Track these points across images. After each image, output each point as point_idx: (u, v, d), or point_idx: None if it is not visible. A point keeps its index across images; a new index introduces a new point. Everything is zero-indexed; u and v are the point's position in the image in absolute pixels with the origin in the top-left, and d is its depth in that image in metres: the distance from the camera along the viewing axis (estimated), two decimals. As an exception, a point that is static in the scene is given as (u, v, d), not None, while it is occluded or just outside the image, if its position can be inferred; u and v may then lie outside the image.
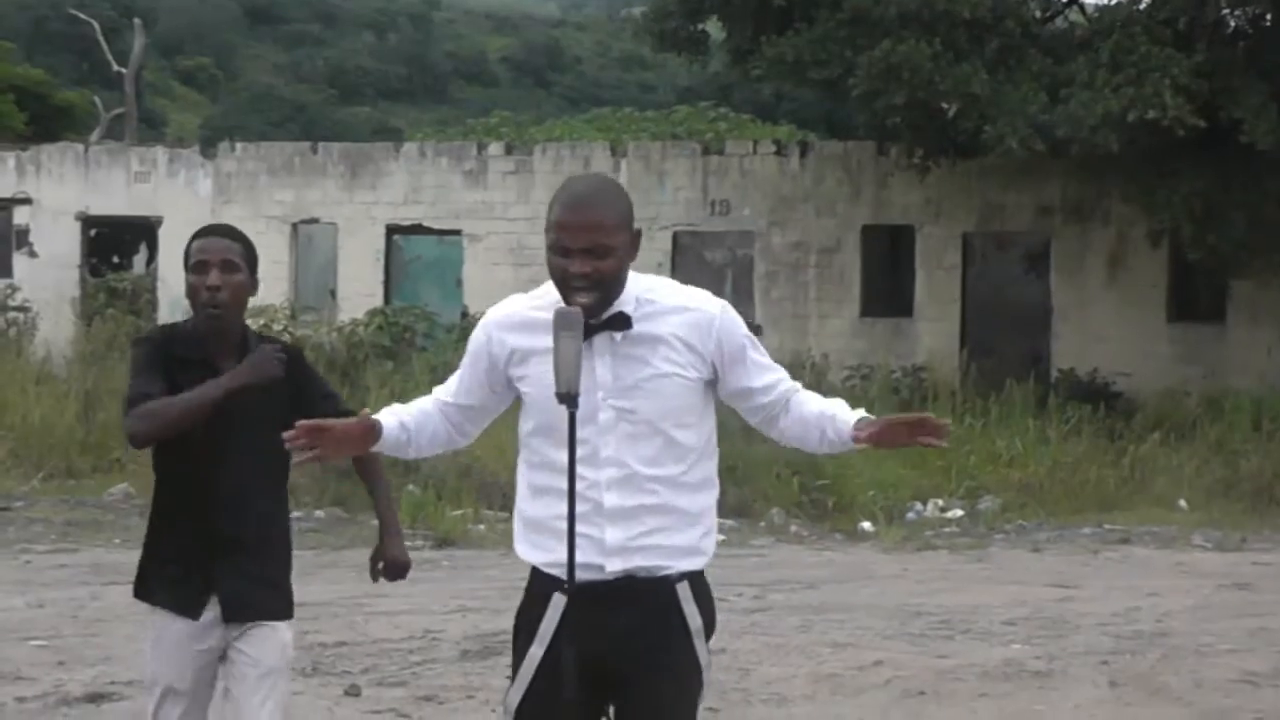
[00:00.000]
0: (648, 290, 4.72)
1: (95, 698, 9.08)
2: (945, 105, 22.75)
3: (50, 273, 29.98)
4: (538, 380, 4.64)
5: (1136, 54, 21.81)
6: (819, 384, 23.53)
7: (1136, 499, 19.20)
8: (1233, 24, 24.11)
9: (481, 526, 16.18)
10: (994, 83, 22.61)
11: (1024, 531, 17.47)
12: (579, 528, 4.54)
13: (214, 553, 5.42)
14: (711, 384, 4.76)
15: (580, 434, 4.51)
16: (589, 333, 4.57)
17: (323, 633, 10.67)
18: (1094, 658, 10.59)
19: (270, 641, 5.51)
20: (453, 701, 9.23)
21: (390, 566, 5.86)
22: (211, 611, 5.45)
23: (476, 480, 16.87)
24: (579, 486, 4.54)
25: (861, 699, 9.51)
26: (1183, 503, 18.85)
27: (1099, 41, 22.87)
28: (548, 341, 4.54)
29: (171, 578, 5.46)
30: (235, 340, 5.47)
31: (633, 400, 4.60)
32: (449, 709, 9.11)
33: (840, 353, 26.24)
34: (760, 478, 17.83)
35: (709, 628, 4.78)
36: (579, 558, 4.56)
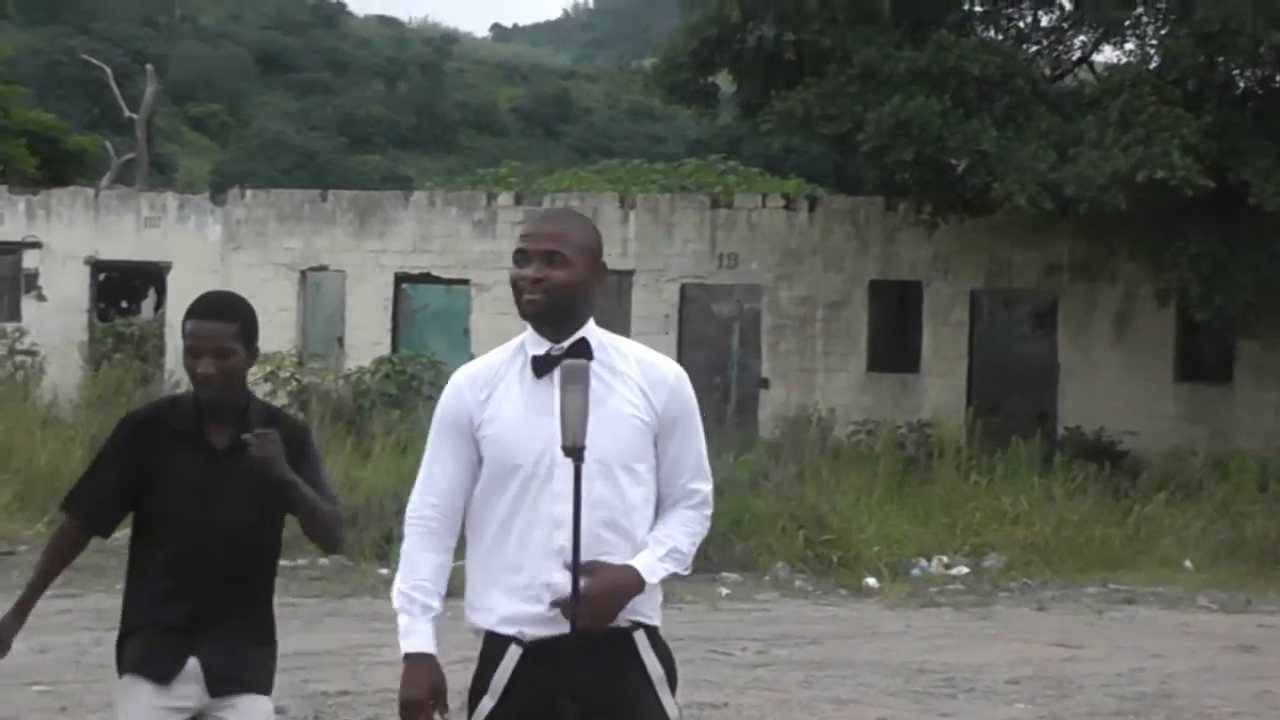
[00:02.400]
0: (610, 340, 4.76)
1: (96, 744, 9.06)
2: (954, 162, 22.80)
3: (59, 317, 30.03)
4: (498, 422, 4.65)
5: (1145, 114, 21.86)
6: (825, 439, 23.63)
7: (1142, 559, 19.15)
8: (1242, 85, 24.16)
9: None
10: (1003, 140, 22.66)
11: (1029, 590, 17.43)
12: (531, 579, 4.60)
13: (201, 622, 5.37)
14: (655, 440, 4.75)
15: (535, 470, 4.57)
16: (549, 365, 4.60)
17: (325, 681, 10.65)
18: (1097, 718, 10.55)
19: (252, 712, 5.46)
20: (454, 753, 9.19)
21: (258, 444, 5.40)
22: (185, 671, 5.38)
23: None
24: (523, 529, 4.62)
25: (864, 756, 9.48)
26: (1188, 563, 18.80)
27: (1108, 101, 22.92)
28: (509, 383, 4.63)
29: (149, 644, 5.40)
30: (234, 413, 5.42)
31: (590, 437, 4.52)
32: (450, 760, 9.07)
33: (846, 407, 26.23)
34: (765, 531, 17.81)
35: (671, 678, 4.78)
36: (531, 609, 4.60)
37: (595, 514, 4.58)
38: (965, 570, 18.24)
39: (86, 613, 13.69)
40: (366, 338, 28.71)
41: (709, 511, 4.89)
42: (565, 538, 4.51)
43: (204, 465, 5.35)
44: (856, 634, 14.20)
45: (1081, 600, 16.74)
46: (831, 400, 26.49)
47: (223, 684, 5.39)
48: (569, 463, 4.47)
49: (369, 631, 12.81)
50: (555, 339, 4.64)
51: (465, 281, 28.88)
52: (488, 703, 4.65)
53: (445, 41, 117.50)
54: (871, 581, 17.30)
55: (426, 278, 29.27)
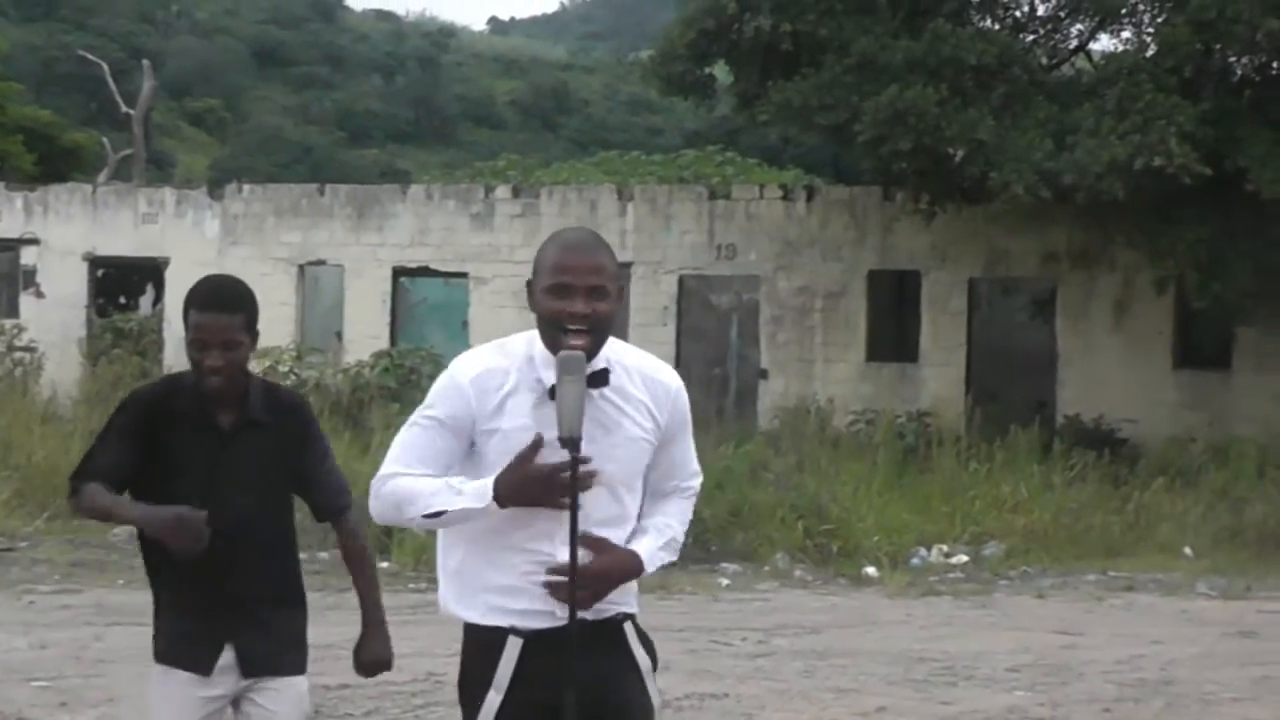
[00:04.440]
0: (618, 357, 4.75)
1: (97, 739, 9.07)
2: (951, 151, 22.80)
3: (57, 313, 30.04)
4: (512, 436, 4.62)
5: (1142, 101, 21.86)
6: (824, 429, 23.65)
7: (1141, 546, 19.16)
8: (1239, 72, 24.17)
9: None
10: (1000, 129, 22.66)
11: (1028, 578, 17.44)
12: (533, 578, 4.59)
13: (227, 609, 5.36)
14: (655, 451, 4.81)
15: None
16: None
17: (326, 674, 10.64)
18: (1097, 705, 10.56)
19: (287, 695, 5.45)
20: (455, 745, 9.20)
21: (369, 664, 5.69)
22: (222, 661, 5.38)
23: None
24: (527, 539, 4.61)
25: (865, 745, 9.49)
26: (1187, 550, 18.81)
27: (1105, 89, 22.94)
28: (521, 397, 4.62)
29: (182, 634, 5.39)
30: (237, 396, 5.41)
31: (601, 461, 4.57)
32: (451, 752, 9.09)
33: (846, 397, 26.25)
34: (765, 522, 17.82)
35: (653, 666, 4.81)
36: (528, 605, 4.60)
37: (600, 530, 4.63)
38: (965, 559, 18.25)
39: (86, 608, 13.71)
40: (365, 331, 28.72)
41: (696, 498, 5.00)
42: (566, 550, 4.51)
43: (210, 447, 5.35)
44: (857, 623, 14.21)
45: (1081, 588, 16.75)
46: (830, 390, 26.51)
47: (257, 666, 5.40)
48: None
49: (369, 624, 12.82)
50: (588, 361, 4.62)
51: (463, 275, 28.89)
52: (494, 697, 4.61)
53: (442, 35, 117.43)
54: (871, 571, 17.31)
55: (425, 271, 29.28)
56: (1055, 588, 16.74)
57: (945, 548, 18.59)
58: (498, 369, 4.72)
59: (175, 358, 27.12)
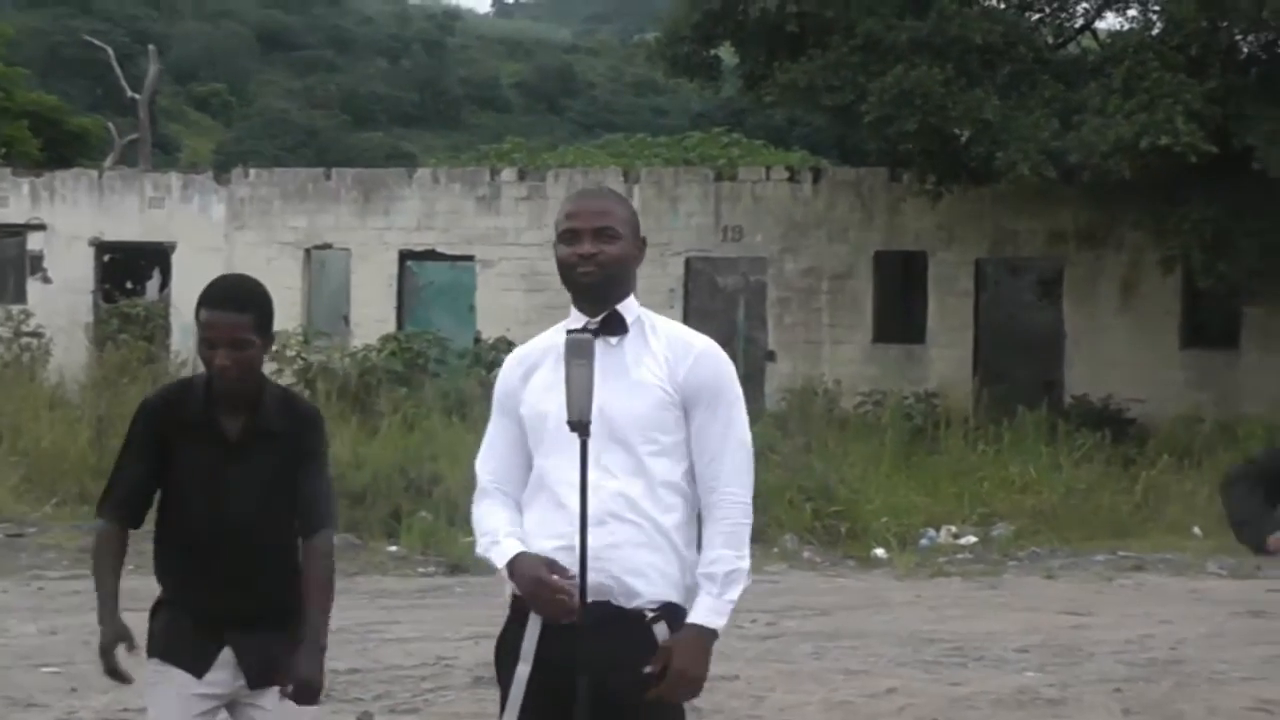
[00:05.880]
0: (649, 318, 4.77)
1: (107, 724, 9.08)
2: (957, 131, 22.78)
3: (63, 298, 30.05)
4: (532, 396, 4.71)
5: (1149, 80, 21.82)
6: (832, 410, 23.64)
7: (1150, 526, 19.16)
8: (1245, 50, 24.08)
9: (493, 553, 16.12)
10: (1006, 109, 22.63)
11: (1037, 558, 17.42)
12: (545, 546, 4.60)
13: (228, 616, 5.33)
14: (684, 414, 4.71)
15: (564, 439, 4.52)
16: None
17: (335, 659, 10.62)
18: (1107, 685, 10.56)
19: (285, 705, 5.39)
20: (465, 728, 9.22)
21: (299, 689, 5.33)
22: (218, 661, 5.35)
23: (489, 506, 16.83)
24: (545, 496, 4.65)
25: (874, 726, 9.49)
26: (1196, 530, 18.78)
27: (1111, 68, 22.89)
28: (549, 361, 4.66)
29: (180, 632, 5.36)
30: (248, 401, 5.35)
31: (611, 403, 4.56)
32: (461, 736, 9.10)
33: (852, 379, 26.23)
34: (774, 503, 17.79)
35: None
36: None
37: (610, 485, 4.58)
38: (974, 540, 18.24)
39: (95, 594, 13.69)
40: (372, 315, 28.72)
41: (745, 520, 4.75)
42: (576, 501, 4.50)
43: (215, 456, 5.28)
44: (866, 604, 14.21)
45: (1090, 568, 16.74)
46: (837, 372, 26.50)
47: (259, 677, 5.36)
48: (592, 431, 4.48)
49: (378, 609, 12.83)
50: (595, 314, 4.67)
51: (470, 258, 28.89)
52: (524, 669, 4.66)
53: (447, 18, 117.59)
54: (880, 552, 17.31)
55: (431, 255, 29.28)
56: (1064, 568, 16.72)
57: (954, 529, 18.59)
58: (537, 348, 4.83)
59: (182, 343, 27.15)
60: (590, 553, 4.49)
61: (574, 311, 4.73)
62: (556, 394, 4.54)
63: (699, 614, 4.61)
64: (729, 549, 4.66)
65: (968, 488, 19.72)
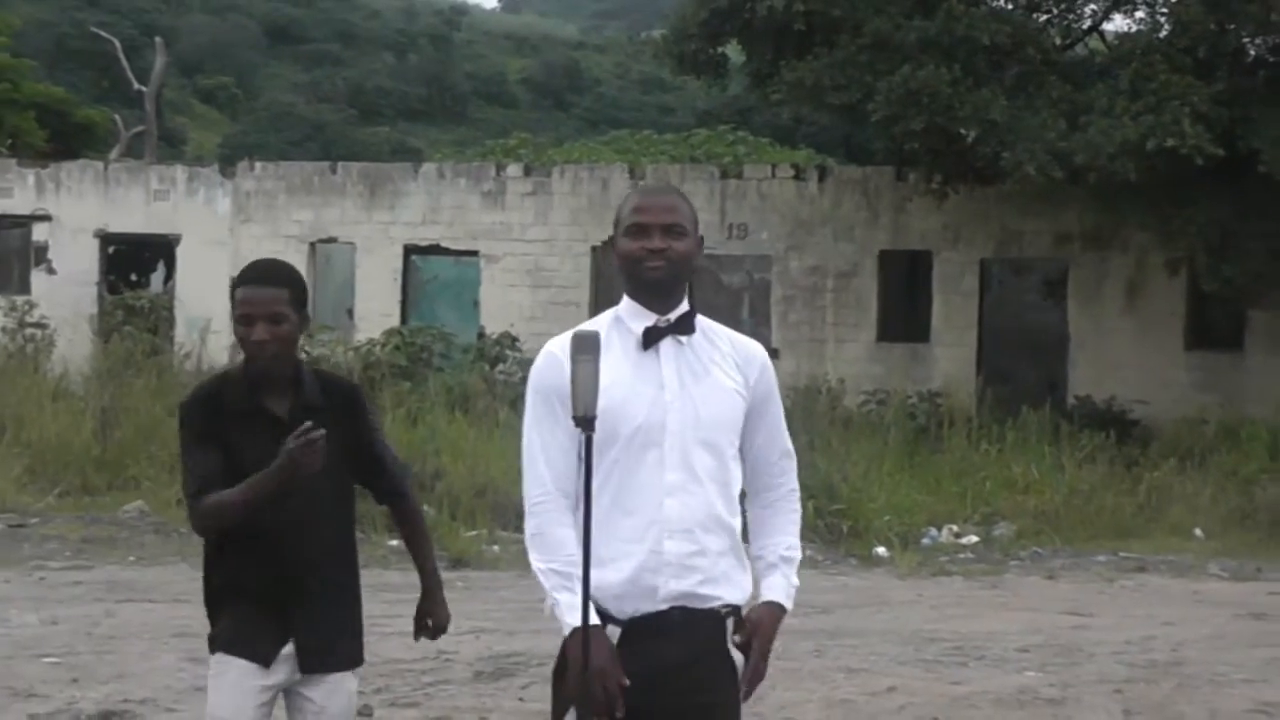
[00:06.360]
0: (701, 319, 4.81)
1: (108, 715, 9.07)
2: (964, 131, 22.75)
3: (68, 290, 30.06)
4: (606, 392, 4.51)
5: (1156, 82, 21.81)
6: (835, 409, 23.63)
7: (1152, 527, 19.15)
8: (1253, 53, 24.05)
9: (496, 547, 16.14)
10: (1013, 109, 22.61)
11: (1039, 558, 17.42)
12: (632, 548, 4.59)
13: (291, 597, 5.31)
14: (746, 418, 4.79)
15: (647, 440, 4.58)
16: (658, 336, 4.65)
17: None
18: (1108, 686, 10.55)
19: (339, 691, 5.43)
20: (465, 723, 9.21)
21: (438, 630, 5.78)
22: (283, 652, 5.34)
23: (491, 501, 16.83)
24: (622, 499, 4.61)
25: (875, 725, 9.49)
26: (1199, 531, 18.79)
27: (1118, 69, 22.88)
28: (614, 354, 4.63)
29: (244, 622, 5.33)
30: (287, 380, 5.33)
31: (695, 407, 4.64)
32: (461, 730, 9.09)
33: (857, 377, 26.23)
34: (775, 502, 17.77)
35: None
36: (627, 581, 4.59)
37: (709, 487, 4.66)
38: (976, 539, 18.24)
39: (98, 584, 13.72)
40: (376, 309, 28.73)
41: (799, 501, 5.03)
42: (674, 506, 4.59)
43: (269, 440, 5.15)
44: (867, 603, 14.21)
45: (1092, 569, 16.73)
46: (842, 370, 26.49)
47: (315, 661, 5.37)
48: (679, 433, 4.59)
49: (379, 603, 12.79)
50: (661, 311, 4.69)
51: (474, 253, 28.89)
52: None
53: (454, 13, 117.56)
54: (882, 551, 17.31)
55: (436, 249, 29.27)
56: (1066, 568, 16.72)
57: (956, 528, 18.60)
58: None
59: (186, 335, 27.17)
60: (675, 559, 4.61)
61: (628, 303, 4.72)
62: (642, 392, 4.60)
63: (777, 593, 4.85)
64: (799, 538, 5.01)
65: (970, 487, 19.72)
